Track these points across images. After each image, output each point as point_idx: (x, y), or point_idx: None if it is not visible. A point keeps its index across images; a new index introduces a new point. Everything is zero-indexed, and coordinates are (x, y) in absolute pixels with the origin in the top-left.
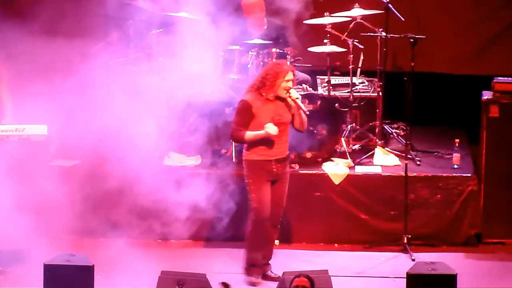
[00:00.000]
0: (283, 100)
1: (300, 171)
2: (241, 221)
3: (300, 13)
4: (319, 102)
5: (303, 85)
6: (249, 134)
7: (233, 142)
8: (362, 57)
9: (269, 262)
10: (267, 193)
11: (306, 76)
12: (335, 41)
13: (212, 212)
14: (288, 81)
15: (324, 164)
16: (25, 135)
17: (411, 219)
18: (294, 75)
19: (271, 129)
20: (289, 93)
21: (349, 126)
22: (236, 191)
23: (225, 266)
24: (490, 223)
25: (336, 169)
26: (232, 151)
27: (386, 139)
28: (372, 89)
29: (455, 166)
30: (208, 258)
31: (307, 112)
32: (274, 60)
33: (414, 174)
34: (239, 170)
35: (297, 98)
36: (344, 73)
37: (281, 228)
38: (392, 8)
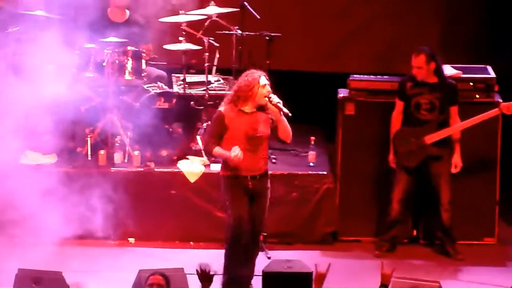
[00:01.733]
0: (262, 113)
1: (156, 169)
2: (95, 219)
3: (156, 11)
4: (174, 100)
5: (158, 83)
6: (217, 151)
7: (89, 141)
8: (217, 55)
9: (251, 282)
10: (245, 209)
11: (162, 73)
12: (190, 39)
13: (67, 209)
14: (264, 86)
15: (179, 162)
16: None
17: (267, 217)
18: (267, 79)
19: (234, 154)
20: (269, 97)
21: (204, 124)
22: (90, 189)
23: (81, 264)
24: (346, 221)
25: (192, 167)
26: (88, 149)
27: None
28: (228, 87)
29: (311, 164)
30: (63, 256)
31: (290, 115)
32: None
33: (270, 172)
34: (94, 168)
35: (278, 103)
36: (200, 71)
37: (136, 225)
38: (248, 6)
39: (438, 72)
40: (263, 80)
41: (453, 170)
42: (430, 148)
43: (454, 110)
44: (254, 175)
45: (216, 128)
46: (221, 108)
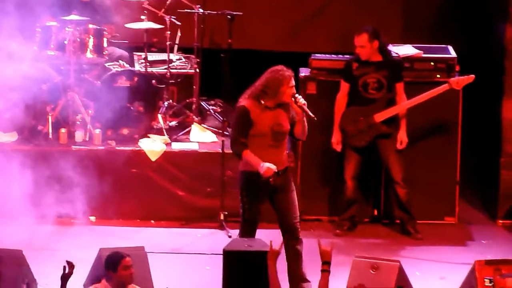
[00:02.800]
0: (283, 108)
1: (117, 148)
2: (56, 197)
3: None
4: (136, 79)
5: (120, 61)
6: (247, 156)
7: (50, 119)
8: (179, 34)
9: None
10: (258, 208)
11: (124, 52)
12: (152, 17)
13: (28, 188)
14: (292, 87)
15: (140, 140)
16: None
17: (228, 196)
18: (293, 79)
19: (264, 168)
20: (296, 98)
21: (166, 103)
22: (51, 167)
23: (42, 242)
24: (307, 200)
25: (153, 146)
26: (49, 127)
27: (203, 116)
28: (189, 66)
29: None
30: (23, 234)
31: (315, 118)
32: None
33: (231, 151)
34: (55, 146)
35: (304, 104)
36: (161, 50)
37: (97, 204)
38: None
39: (383, 50)
40: (293, 81)
41: (399, 146)
42: (379, 126)
43: (399, 86)
44: (277, 170)
45: (242, 125)
46: (243, 102)
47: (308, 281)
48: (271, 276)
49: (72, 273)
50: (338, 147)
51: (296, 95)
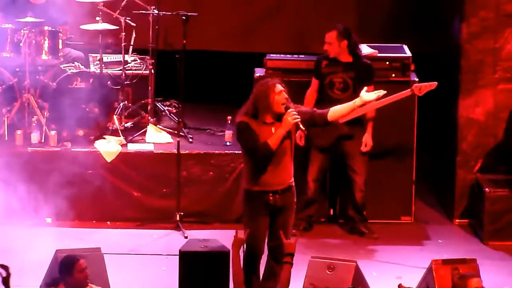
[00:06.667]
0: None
1: (73, 149)
2: (12, 199)
3: None
4: (91, 80)
5: (75, 62)
6: (272, 141)
7: (6, 120)
8: (134, 35)
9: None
10: (262, 228)
11: (79, 54)
12: (107, 19)
13: None
14: (280, 93)
15: (96, 142)
16: None
17: (184, 197)
18: (283, 86)
19: (286, 119)
20: (289, 114)
21: (121, 104)
22: (6, 169)
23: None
24: None
25: (108, 147)
26: (5, 129)
27: (158, 117)
28: (144, 67)
29: (228, 143)
30: None
31: (306, 132)
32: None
33: (187, 151)
34: (11, 148)
35: (298, 119)
36: (117, 51)
37: (53, 205)
38: None
39: (353, 51)
40: (278, 87)
41: (363, 149)
42: (342, 127)
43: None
44: (276, 189)
45: (252, 134)
46: (240, 118)
47: None
48: (234, 263)
49: (10, 273)
50: (301, 142)
51: (290, 110)
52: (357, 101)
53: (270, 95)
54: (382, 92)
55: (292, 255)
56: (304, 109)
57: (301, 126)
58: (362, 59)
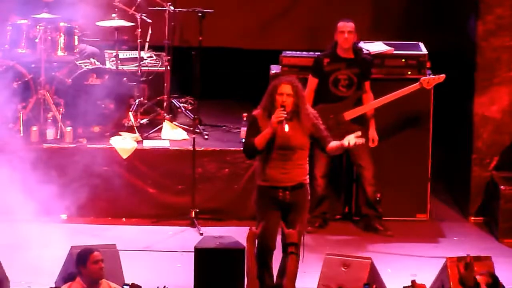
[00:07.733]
0: (298, 122)
1: (88, 146)
2: (27, 195)
3: None
4: (106, 77)
5: (91, 59)
6: (257, 138)
7: (21, 117)
8: (150, 32)
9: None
10: (272, 222)
11: (95, 50)
12: (123, 15)
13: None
14: (281, 94)
15: (112, 138)
16: None
17: (199, 194)
18: (293, 88)
19: (273, 119)
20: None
21: (137, 101)
22: (22, 165)
23: (13, 240)
24: None
25: (124, 144)
26: (20, 125)
27: (174, 113)
28: (160, 64)
29: (243, 140)
30: None
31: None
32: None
33: (202, 148)
34: (26, 144)
35: (280, 118)
36: (132, 48)
37: (68, 202)
38: None
39: (355, 48)
40: (285, 88)
41: (371, 145)
42: (349, 125)
43: (367, 85)
44: (286, 186)
45: (252, 131)
46: (253, 112)
47: None
48: (249, 257)
49: None
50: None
51: (279, 109)
52: (344, 143)
53: (276, 92)
54: (362, 140)
55: (295, 244)
56: (326, 134)
57: (285, 127)
58: (363, 55)
